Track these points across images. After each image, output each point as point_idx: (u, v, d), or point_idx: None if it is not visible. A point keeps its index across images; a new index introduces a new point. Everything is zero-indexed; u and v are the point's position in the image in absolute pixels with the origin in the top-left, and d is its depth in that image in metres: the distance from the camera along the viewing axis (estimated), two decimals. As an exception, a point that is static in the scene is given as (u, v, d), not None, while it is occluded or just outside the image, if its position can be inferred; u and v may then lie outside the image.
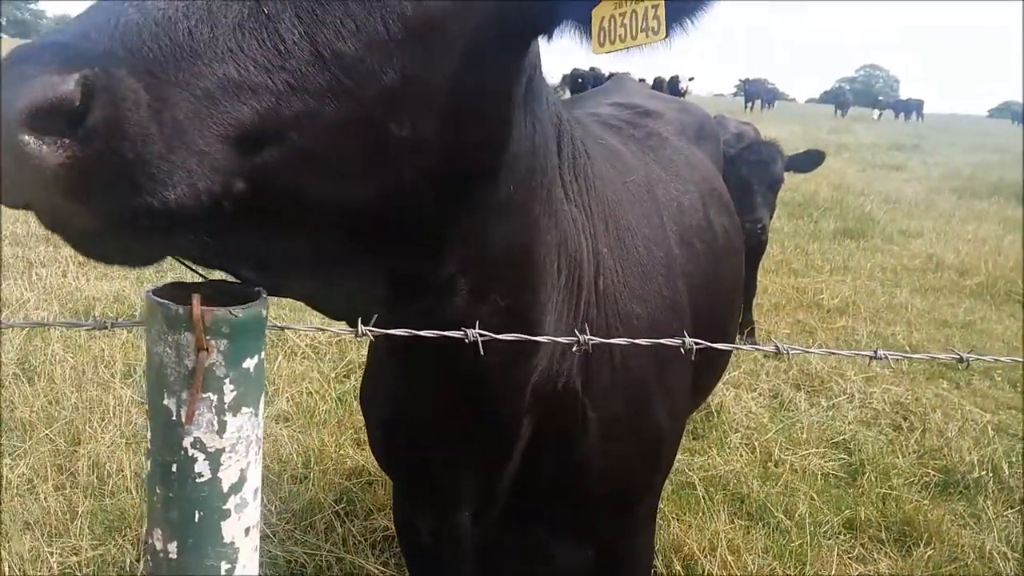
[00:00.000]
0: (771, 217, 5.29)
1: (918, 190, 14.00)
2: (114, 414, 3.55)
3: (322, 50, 0.81)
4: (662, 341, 1.07)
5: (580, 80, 28.32)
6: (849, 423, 4.28)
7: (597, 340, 1.05)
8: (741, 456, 3.79)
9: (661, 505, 3.25)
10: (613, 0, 0.96)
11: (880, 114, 44.57)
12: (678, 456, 3.65)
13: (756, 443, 3.93)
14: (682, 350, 1.07)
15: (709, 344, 1.12)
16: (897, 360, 5.38)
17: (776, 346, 1.18)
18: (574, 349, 1.11)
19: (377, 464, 2.03)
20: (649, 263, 1.61)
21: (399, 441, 1.62)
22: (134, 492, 3.06)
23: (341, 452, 3.46)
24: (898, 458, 3.88)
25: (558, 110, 1.40)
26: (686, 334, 1.37)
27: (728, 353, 2.37)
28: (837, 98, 46.54)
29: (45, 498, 2.97)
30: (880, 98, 53.78)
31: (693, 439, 3.94)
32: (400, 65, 0.86)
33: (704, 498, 3.36)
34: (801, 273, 7.47)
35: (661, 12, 0.96)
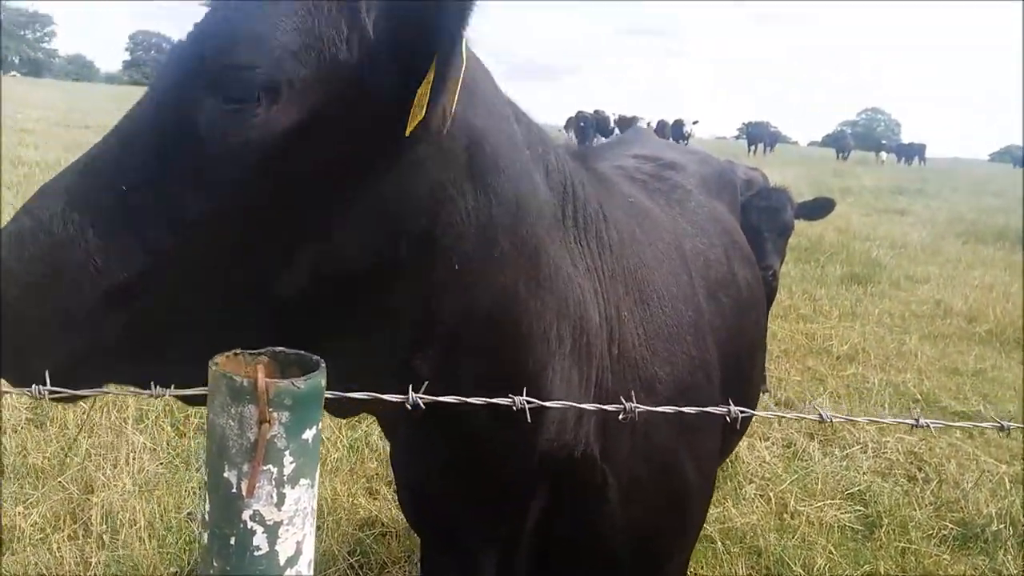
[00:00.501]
0: (781, 263, 5.31)
1: (923, 235, 14.03)
2: (127, 461, 3.54)
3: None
4: (708, 409, 1.07)
5: (583, 124, 28.67)
6: (864, 473, 4.24)
7: (643, 408, 1.05)
8: (757, 508, 3.75)
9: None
10: (426, 84, 0.97)
11: (883, 158, 44.86)
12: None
13: (771, 494, 3.90)
14: (727, 418, 1.08)
15: (752, 412, 1.12)
16: (909, 409, 5.37)
17: (820, 414, 1.18)
18: (620, 417, 1.11)
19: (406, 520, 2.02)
20: (676, 324, 1.60)
21: (421, 501, 1.64)
22: (147, 542, 3.03)
23: (354, 502, 3.43)
24: (915, 510, 3.84)
25: (564, 176, 1.39)
26: (716, 395, 1.37)
27: (756, 400, 2.36)
28: (838, 141, 46.88)
29: (58, 548, 2.94)
30: (883, 142, 54.21)
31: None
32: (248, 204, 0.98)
33: (722, 552, 3.32)
34: (810, 319, 7.47)
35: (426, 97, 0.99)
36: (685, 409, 1.13)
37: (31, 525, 3.08)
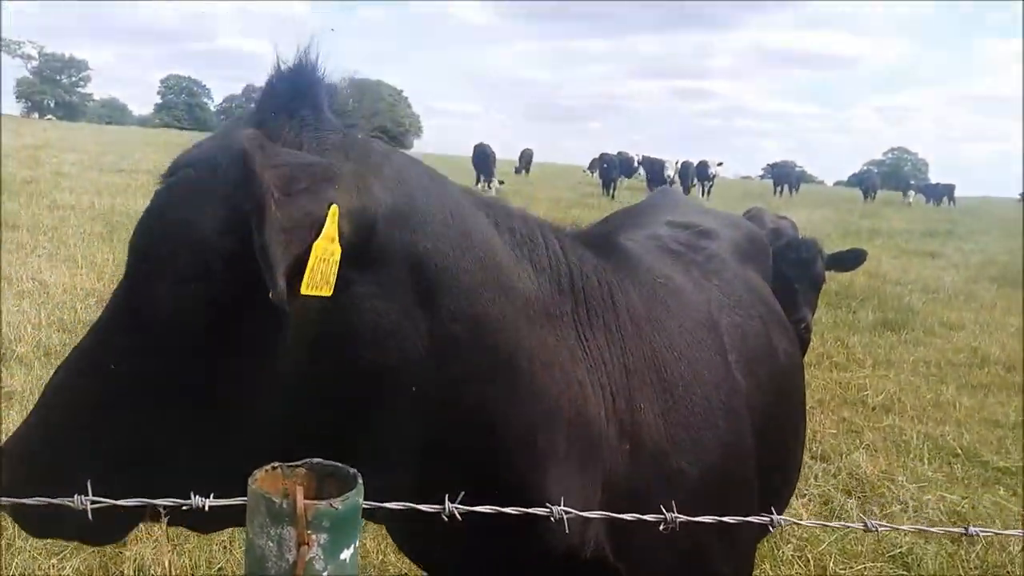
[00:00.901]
0: (813, 314, 5.23)
1: (956, 279, 13.81)
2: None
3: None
4: (750, 519, 1.03)
5: (606, 165, 28.82)
6: (905, 535, 4.10)
7: (684, 518, 1.01)
8: (795, 570, 3.64)
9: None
10: (325, 240, 0.94)
11: (911, 198, 44.50)
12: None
13: (809, 555, 3.78)
14: (770, 527, 1.03)
15: (796, 521, 1.08)
16: (950, 464, 5.23)
17: (865, 523, 1.12)
18: (661, 528, 1.07)
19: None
20: (706, 411, 1.55)
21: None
22: (175, 601, 3.00)
23: (384, 559, 3.38)
24: (960, 574, 3.70)
25: (561, 270, 1.37)
26: (752, 478, 1.31)
27: (798, 469, 2.29)
28: (864, 182, 46.52)
29: (89, 605, 2.92)
30: (912, 182, 53.78)
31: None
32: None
33: (759, 617, 3.22)
34: (843, 367, 7.34)
35: (335, 273, 0.98)
36: (727, 519, 1.09)
37: (61, 581, 3.07)
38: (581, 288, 1.40)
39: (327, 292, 0.97)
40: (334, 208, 0.95)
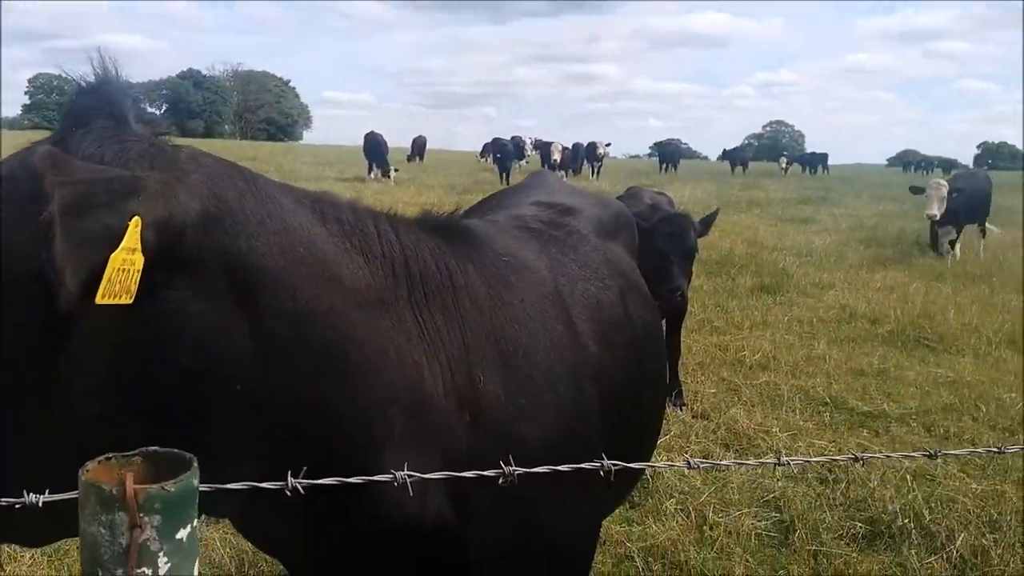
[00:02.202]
0: (688, 283, 5.51)
1: (827, 242, 14.68)
2: (34, 533, 3.40)
3: None
4: (583, 466, 1.13)
5: (500, 154, 28.94)
6: (778, 480, 4.40)
7: (522, 470, 1.10)
8: (677, 522, 3.86)
9: (602, 583, 3.29)
10: (123, 252, 0.99)
11: (783, 164, 46.72)
12: (616, 528, 3.73)
13: (690, 507, 4.02)
14: (600, 472, 1.14)
15: (624, 464, 1.19)
16: (820, 412, 5.63)
17: (688, 462, 1.25)
18: (501, 482, 1.16)
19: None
20: (547, 378, 1.63)
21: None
22: (58, 617, 2.93)
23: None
24: (826, 512, 4.01)
25: (395, 258, 1.43)
26: (596, 440, 1.41)
27: (657, 433, 2.45)
28: (732, 156, 48.42)
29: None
30: (784, 153, 56.50)
31: (630, 508, 4.00)
32: None
33: (644, 570, 3.42)
34: (723, 331, 7.73)
35: (137, 281, 1.04)
36: (561, 468, 1.19)
37: (-69, 612, 2.94)
38: (418, 272, 1.46)
39: (127, 300, 1.01)
40: (135, 220, 1.00)
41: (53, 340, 1.04)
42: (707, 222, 5.60)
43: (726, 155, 50.48)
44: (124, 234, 0.98)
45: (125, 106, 1.22)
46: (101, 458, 0.85)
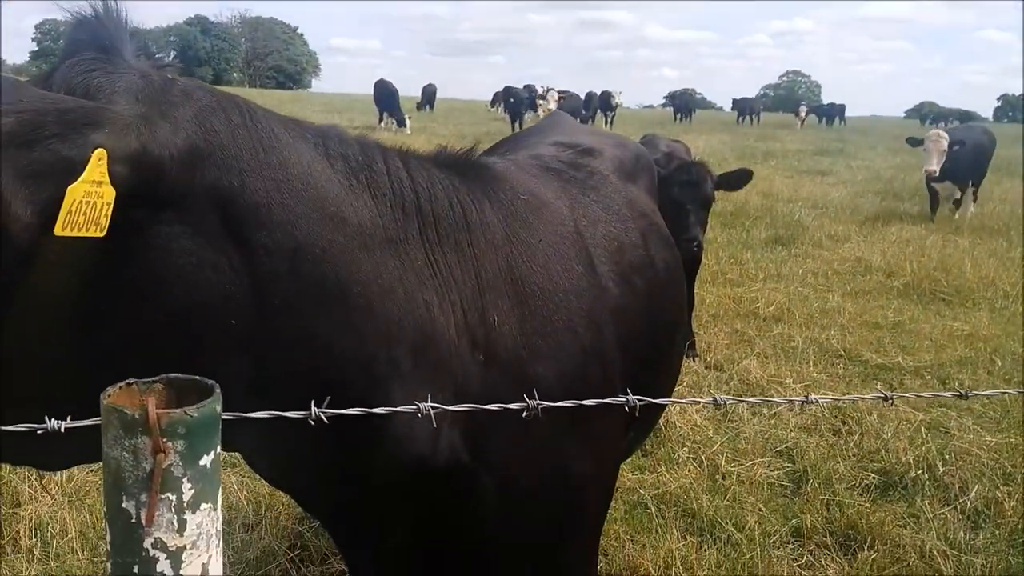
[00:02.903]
0: (703, 233, 5.44)
1: (843, 195, 14.50)
2: (55, 471, 3.45)
3: None
4: (607, 401, 1.11)
5: (512, 100, 28.51)
6: (791, 431, 4.41)
7: (545, 404, 1.08)
8: (689, 471, 3.87)
9: (615, 527, 3.31)
10: (84, 184, 0.96)
11: (802, 115, 45.94)
12: (629, 476, 3.74)
13: (703, 456, 4.03)
14: (626, 407, 1.12)
15: (648, 399, 1.16)
16: (833, 365, 5.60)
17: (715, 398, 1.23)
18: (524, 415, 1.14)
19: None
20: (565, 319, 1.60)
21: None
22: (80, 553, 2.98)
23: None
24: (839, 463, 4.02)
25: (405, 195, 1.40)
26: (615, 382, 1.38)
27: (675, 378, 2.43)
28: (741, 106, 47.62)
29: (-15, 567, 2.87)
30: (803, 103, 55.56)
31: (643, 456, 4.01)
32: None
33: (656, 516, 3.43)
34: (736, 283, 7.68)
35: (108, 215, 1.01)
36: (585, 402, 1.17)
37: (-45, 546, 2.99)
38: (430, 210, 1.42)
39: (97, 233, 0.99)
40: (99, 152, 0.97)
41: (34, 272, 1.02)
42: (735, 179, 5.43)
43: (735, 105, 49.68)
44: (85, 165, 0.95)
45: (120, 39, 1.18)
46: (122, 384, 0.83)
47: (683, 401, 1.26)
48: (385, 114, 26.34)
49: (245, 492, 3.43)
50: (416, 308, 1.34)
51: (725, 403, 1.24)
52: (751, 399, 1.29)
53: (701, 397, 4.80)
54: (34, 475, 3.42)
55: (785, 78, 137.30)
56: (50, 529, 3.09)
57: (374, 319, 1.28)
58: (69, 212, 0.94)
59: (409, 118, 25.70)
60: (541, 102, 26.34)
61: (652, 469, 3.88)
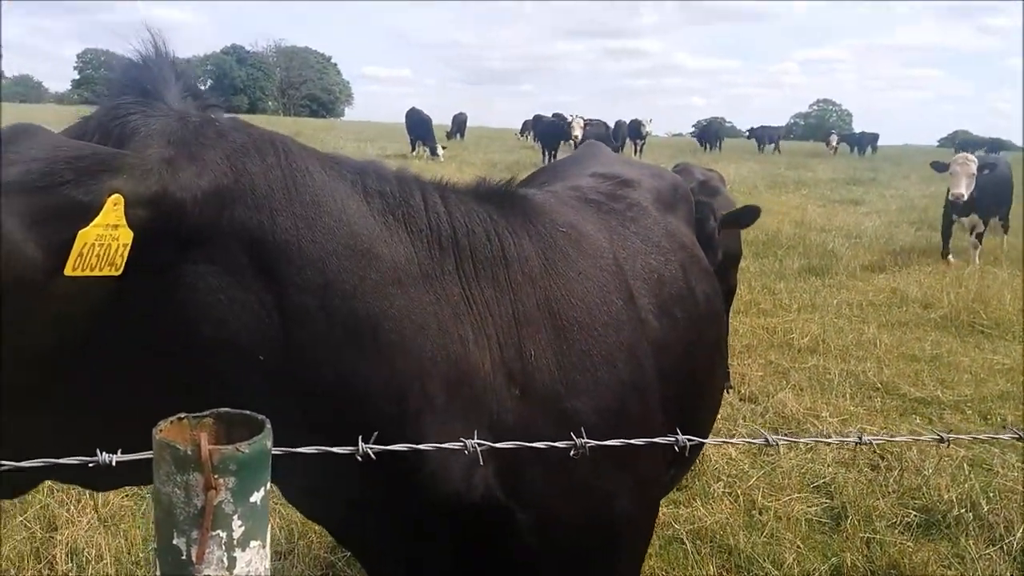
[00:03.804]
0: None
1: (877, 224, 14.32)
2: (90, 496, 3.47)
3: None
4: (656, 440, 1.09)
5: (543, 134, 28.36)
6: (828, 465, 4.32)
7: (593, 443, 1.06)
8: (725, 506, 3.80)
9: (651, 563, 3.25)
10: (98, 228, 0.99)
11: (834, 143, 45.51)
12: (664, 510, 3.68)
13: (739, 491, 3.95)
14: (675, 448, 1.10)
15: (698, 439, 1.14)
16: (871, 398, 5.49)
17: (766, 438, 1.20)
18: (572, 453, 1.12)
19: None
20: (603, 350, 1.59)
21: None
22: (113, 579, 2.98)
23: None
24: (879, 499, 3.92)
25: (442, 230, 1.41)
26: (655, 417, 1.35)
27: (715, 411, 2.39)
28: (757, 133, 47.00)
29: (21, 590, 2.88)
30: (833, 131, 55.14)
31: (677, 490, 3.95)
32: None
33: (692, 552, 3.37)
34: (770, 313, 7.59)
35: (124, 255, 1.03)
36: (635, 441, 1.15)
37: (-8, 568, 3.02)
38: (467, 244, 1.43)
39: (111, 272, 1.02)
40: (115, 197, 0.99)
41: (60, 310, 1.06)
42: (742, 217, 4.89)
43: (752, 133, 49.23)
44: (98, 210, 0.98)
45: (164, 80, 1.22)
46: (173, 418, 0.83)
47: (734, 441, 1.23)
48: (418, 142, 26.60)
49: (277, 519, 3.42)
50: (451, 343, 1.34)
51: (777, 444, 1.21)
52: (803, 439, 1.26)
53: (736, 429, 4.75)
54: (71, 499, 3.45)
55: (815, 107, 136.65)
56: (86, 554, 3.11)
57: (407, 354, 1.28)
58: (80, 254, 0.98)
59: (444, 147, 25.89)
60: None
61: (687, 503, 3.81)
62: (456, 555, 1.48)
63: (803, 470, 4.24)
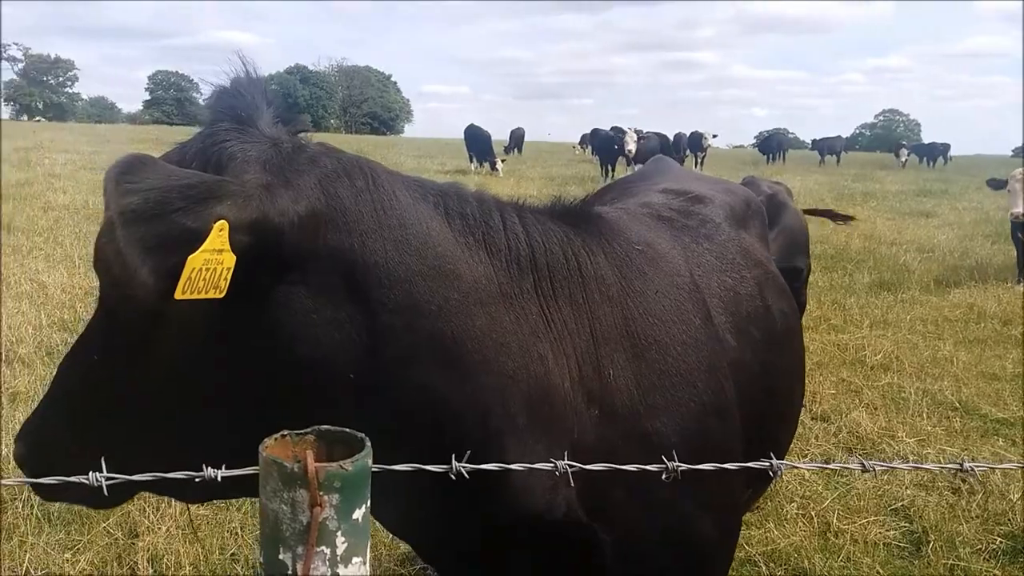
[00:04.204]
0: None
1: (951, 237, 13.85)
2: (169, 504, 3.57)
3: None
4: (750, 464, 1.07)
5: (617, 146, 28.08)
6: (906, 488, 4.17)
7: (686, 466, 1.05)
8: (799, 528, 3.70)
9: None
10: (205, 253, 1.03)
11: (904, 157, 44.15)
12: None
13: (813, 513, 3.85)
14: (772, 473, 1.07)
15: (796, 464, 1.12)
16: (949, 418, 5.29)
17: (862, 464, 1.16)
18: (664, 477, 1.11)
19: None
20: (683, 372, 1.57)
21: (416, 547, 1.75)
22: (191, 587, 3.06)
23: (394, 537, 3.43)
24: (962, 524, 3.76)
25: (521, 250, 1.42)
26: (734, 438, 1.33)
27: (793, 430, 2.33)
28: (819, 144, 46.03)
29: (105, 596, 2.98)
30: (903, 142, 53.48)
31: (750, 511, 3.86)
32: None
33: (766, 575, 3.28)
34: (840, 329, 7.39)
35: (228, 278, 1.07)
36: (728, 465, 1.13)
37: (79, 571, 3.13)
38: (545, 264, 1.44)
39: (216, 295, 1.06)
40: (221, 223, 1.03)
41: (170, 334, 1.13)
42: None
43: (815, 145, 48.20)
44: (206, 236, 1.02)
45: (257, 107, 1.27)
46: (277, 435, 0.85)
47: (832, 466, 1.20)
48: (474, 157, 26.82)
49: (346, 532, 3.46)
50: (531, 362, 1.34)
51: (874, 469, 1.17)
52: (900, 465, 1.22)
53: (808, 449, 4.63)
54: (151, 507, 3.56)
55: (881, 117, 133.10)
56: (165, 561, 3.20)
57: (488, 373, 1.29)
58: (189, 279, 1.02)
59: (503, 161, 26.05)
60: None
61: (759, 525, 3.72)
62: (539, 571, 1.48)
63: (879, 492, 4.10)
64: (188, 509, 3.47)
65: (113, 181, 1.00)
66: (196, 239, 1.01)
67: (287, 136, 1.27)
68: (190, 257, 1.01)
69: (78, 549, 3.28)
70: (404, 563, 3.28)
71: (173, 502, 3.57)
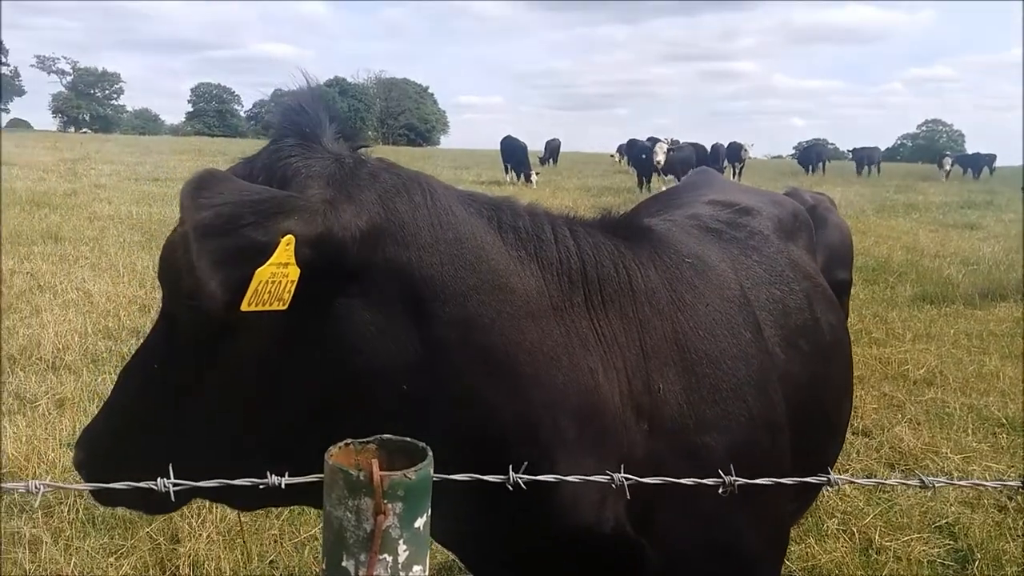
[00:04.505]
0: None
1: (996, 250, 13.54)
2: (211, 510, 3.64)
3: None
4: (808, 479, 1.07)
5: (645, 155, 27.91)
6: (950, 505, 4.08)
7: (743, 481, 1.05)
8: (840, 544, 3.64)
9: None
10: (272, 266, 1.05)
11: (947, 167, 43.29)
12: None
13: (854, 528, 3.79)
14: (828, 488, 1.07)
15: (853, 480, 1.11)
16: (995, 434, 5.17)
17: (921, 480, 1.15)
18: (720, 491, 1.11)
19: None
20: (733, 386, 1.57)
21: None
22: (234, 592, 3.11)
23: (432, 546, 3.45)
24: (1009, 543, 3.68)
25: (572, 264, 1.42)
26: (783, 452, 1.32)
27: (841, 444, 2.31)
28: (858, 155, 45.39)
29: (150, 599, 3.04)
30: (946, 153, 52.46)
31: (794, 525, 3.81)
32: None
33: (807, 592, 3.24)
34: (882, 342, 7.26)
35: (291, 291, 1.10)
36: (784, 480, 1.13)
37: (123, 576, 3.19)
38: (596, 277, 1.44)
39: (279, 307, 1.10)
40: (288, 237, 1.07)
41: (234, 344, 1.17)
42: None
43: (854, 155, 47.51)
44: (274, 250, 1.05)
45: (319, 123, 1.31)
46: (341, 444, 0.87)
47: (890, 482, 1.19)
48: (509, 167, 26.89)
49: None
50: (581, 375, 1.35)
51: (934, 485, 1.16)
52: (961, 482, 1.20)
53: (849, 464, 4.56)
54: (192, 513, 3.62)
55: (924, 127, 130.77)
56: (206, 566, 3.25)
57: (539, 386, 1.30)
58: (255, 291, 1.06)
59: (537, 173, 26.09)
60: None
61: (800, 540, 3.67)
62: None
63: (923, 509, 4.02)
64: (239, 516, 3.53)
65: (189, 196, 1.04)
66: (265, 253, 1.05)
67: (348, 152, 1.30)
68: (258, 270, 1.04)
69: (122, 554, 3.35)
70: (442, 572, 3.29)
71: (215, 508, 3.64)
